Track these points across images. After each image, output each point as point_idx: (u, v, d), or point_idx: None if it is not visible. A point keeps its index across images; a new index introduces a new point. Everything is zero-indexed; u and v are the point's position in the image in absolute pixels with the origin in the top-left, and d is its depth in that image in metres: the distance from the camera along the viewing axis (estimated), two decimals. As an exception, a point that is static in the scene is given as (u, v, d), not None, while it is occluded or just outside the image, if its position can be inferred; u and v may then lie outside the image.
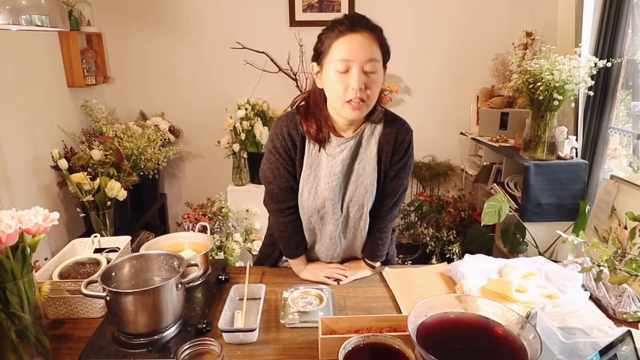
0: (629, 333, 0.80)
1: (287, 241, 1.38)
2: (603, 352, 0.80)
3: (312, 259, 1.44)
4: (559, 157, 2.36)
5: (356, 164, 1.31)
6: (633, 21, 2.24)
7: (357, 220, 1.36)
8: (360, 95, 1.15)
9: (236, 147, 2.81)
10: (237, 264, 2.58)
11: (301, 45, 2.92)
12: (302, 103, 1.31)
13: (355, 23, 1.15)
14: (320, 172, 1.30)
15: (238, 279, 1.36)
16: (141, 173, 2.62)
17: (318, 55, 1.21)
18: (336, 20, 1.17)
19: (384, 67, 1.22)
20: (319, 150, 1.29)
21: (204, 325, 1.09)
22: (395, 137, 1.30)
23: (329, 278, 1.35)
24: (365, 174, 1.31)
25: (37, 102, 2.42)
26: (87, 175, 2.23)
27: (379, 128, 1.30)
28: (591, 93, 2.24)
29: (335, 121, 1.28)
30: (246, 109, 2.81)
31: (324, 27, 1.21)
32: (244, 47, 2.91)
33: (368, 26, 1.16)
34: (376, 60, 1.16)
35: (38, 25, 1.29)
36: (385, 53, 1.20)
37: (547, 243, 2.38)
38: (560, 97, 2.16)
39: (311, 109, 1.28)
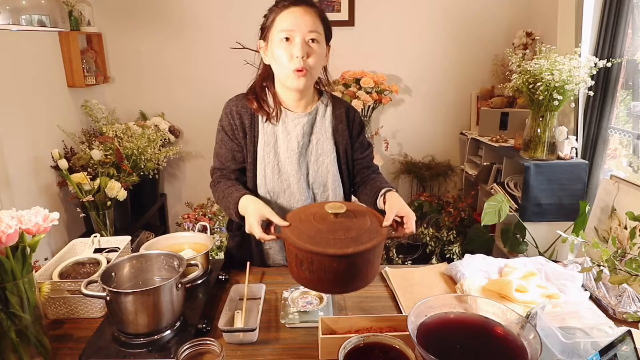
0: (629, 333, 0.80)
1: (225, 192, 1.29)
2: (603, 352, 0.80)
3: None
4: (559, 157, 2.36)
5: (313, 142, 1.35)
6: (633, 21, 2.24)
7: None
8: (302, 63, 1.21)
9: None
10: (237, 264, 2.58)
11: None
12: (253, 84, 1.37)
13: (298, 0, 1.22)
14: (279, 148, 1.34)
15: (238, 279, 1.36)
16: (141, 173, 2.62)
17: (263, 31, 1.29)
18: None
19: (327, 45, 1.29)
20: (273, 126, 1.33)
21: (204, 325, 1.09)
22: (347, 116, 1.39)
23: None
24: (324, 154, 1.35)
25: (37, 102, 2.42)
26: (87, 175, 2.23)
27: (329, 110, 1.38)
28: (591, 93, 2.24)
29: (284, 98, 1.33)
30: (246, 109, 2.81)
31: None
32: (243, 47, 2.90)
33: (310, 2, 1.24)
34: (317, 32, 1.22)
35: (38, 25, 1.29)
36: (327, 29, 1.27)
37: (547, 243, 2.38)
38: (560, 97, 2.16)
39: (256, 87, 1.35)
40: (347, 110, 1.40)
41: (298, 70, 1.21)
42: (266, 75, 1.35)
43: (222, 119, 1.36)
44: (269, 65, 1.31)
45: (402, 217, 1.11)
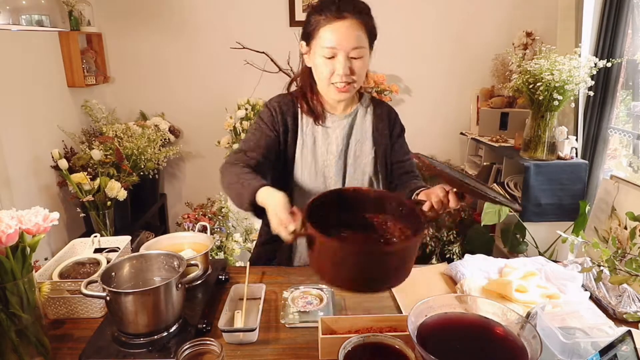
0: (629, 333, 0.80)
1: (241, 177, 1.13)
2: (603, 352, 0.80)
3: None
4: (559, 157, 2.36)
5: (352, 143, 1.33)
6: (633, 21, 2.24)
7: None
8: (345, 80, 1.19)
9: (236, 147, 2.81)
10: (237, 264, 2.58)
11: (301, 45, 2.91)
12: (294, 84, 1.36)
13: (342, 8, 1.15)
14: (317, 150, 1.32)
15: (238, 279, 1.36)
16: (141, 173, 2.62)
17: (307, 36, 1.23)
18: (324, 2, 1.18)
19: (370, 48, 1.25)
20: (313, 127, 1.31)
21: (204, 325, 1.09)
22: (388, 116, 1.37)
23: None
24: (362, 155, 1.33)
25: (37, 102, 2.42)
26: (87, 175, 2.23)
27: (370, 110, 1.37)
28: (591, 93, 2.24)
29: (325, 99, 1.32)
30: (246, 109, 2.81)
31: (315, 5, 1.21)
32: (244, 47, 2.90)
33: (355, 10, 1.16)
34: (362, 47, 1.18)
35: (38, 25, 1.29)
36: (372, 36, 1.22)
37: (547, 243, 2.38)
38: (560, 97, 2.16)
39: (303, 87, 1.32)
40: (389, 111, 1.39)
41: (340, 85, 1.20)
42: (309, 78, 1.30)
43: (263, 112, 1.32)
44: (310, 68, 1.28)
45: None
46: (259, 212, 1.05)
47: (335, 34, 1.15)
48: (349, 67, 1.18)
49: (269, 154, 1.28)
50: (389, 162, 1.38)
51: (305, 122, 1.32)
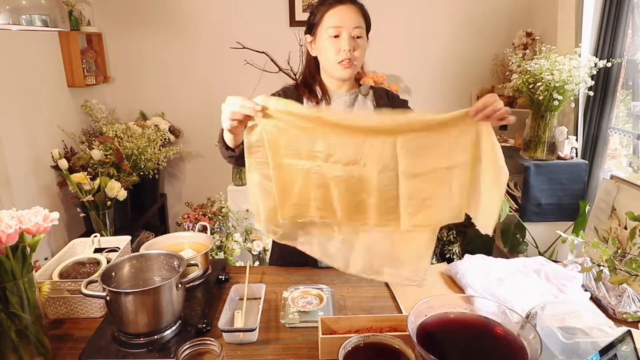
0: (629, 333, 0.80)
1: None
2: (603, 352, 0.80)
3: None
4: (559, 157, 2.36)
5: None
6: (633, 21, 2.24)
7: None
8: (349, 56, 1.32)
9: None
10: (237, 264, 2.58)
11: (301, 45, 2.91)
12: (301, 76, 1.48)
13: None
14: None
15: (238, 278, 1.36)
16: (141, 173, 2.62)
17: (311, 27, 1.38)
18: None
19: (367, 36, 1.39)
20: (319, 104, 1.41)
21: (204, 325, 1.09)
22: (387, 93, 1.49)
23: None
24: None
25: (37, 102, 2.42)
26: (87, 175, 2.23)
27: (370, 94, 1.47)
28: (591, 93, 2.24)
29: (328, 85, 1.43)
30: (246, 109, 2.80)
31: (313, 4, 1.39)
32: (244, 47, 2.90)
33: (352, 0, 1.34)
34: (361, 28, 1.34)
35: (38, 25, 1.29)
36: (368, 23, 1.38)
37: (547, 243, 2.38)
38: (560, 97, 2.16)
39: (307, 78, 1.44)
40: (388, 91, 1.50)
41: (345, 62, 1.32)
42: (313, 67, 1.44)
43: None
44: (314, 57, 1.42)
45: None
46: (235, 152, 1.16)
47: (338, 14, 1.32)
48: (352, 45, 1.32)
49: None
50: None
51: (309, 105, 1.41)
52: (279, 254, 1.52)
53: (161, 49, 3.06)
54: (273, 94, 1.41)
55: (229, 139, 1.13)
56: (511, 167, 2.62)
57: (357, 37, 1.33)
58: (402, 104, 1.50)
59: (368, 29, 1.39)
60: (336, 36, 1.32)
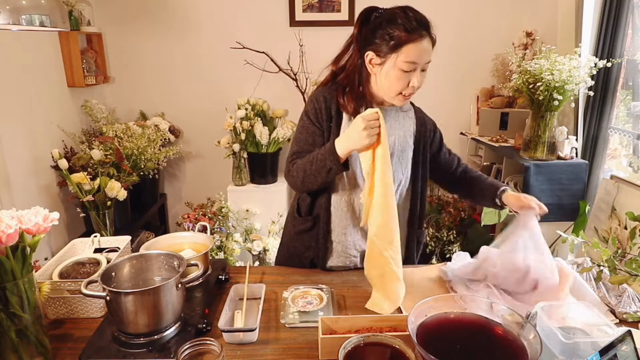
0: (629, 333, 0.80)
1: (311, 157, 1.31)
2: (603, 352, 0.80)
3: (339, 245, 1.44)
4: (559, 157, 2.36)
5: (394, 136, 1.39)
6: (633, 21, 2.24)
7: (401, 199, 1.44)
8: (414, 91, 1.31)
9: (236, 147, 2.81)
10: (237, 264, 2.58)
11: (301, 45, 2.92)
12: (342, 79, 1.39)
13: (423, 28, 1.26)
14: None
15: (238, 279, 1.36)
16: (141, 173, 2.62)
17: (380, 49, 1.27)
18: (404, 17, 1.26)
19: None
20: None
21: (204, 325, 1.09)
22: (427, 122, 1.50)
23: None
24: (407, 146, 1.42)
25: (37, 102, 2.42)
26: (87, 175, 2.23)
27: (411, 113, 1.47)
28: (591, 93, 2.24)
29: (375, 97, 1.38)
30: (246, 109, 2.81)
31: (384, 15, 1.29)
32: (244, 47, 2.91)
33: (429, 30, 1.29)
34: (430, 61, 1.31)
35: (38, 25, 1.29)
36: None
37: (547, 243, 2.38)
38: (560, 97, 2.16)
39: (353, 88, 1.36)
40: (428, 118, 1.52)
41: (409, 95, 1.31)
42: (365, 79, 1.35)
43: (308, 104, 1.40)
44: (363, 69, 1.34)
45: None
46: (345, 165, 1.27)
47: (418, 50, 1.25)
48: (421, 80, 1.30)
49: (319, 144, 1.37)
50: (430, 157, 1.49)
51: (346, 117, 1.38)
52: (288, 253, 1.53)
53: (161, 48, 3.06)
54: (313, 97, 1.39)
55: (345, 153, 1.24)
56: (511, 167, 2.64)
57: (423, 70, 1.31)
58: (441, 140, 1.54)
59: None
60: (409, 71, 1.27)
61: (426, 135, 1.47)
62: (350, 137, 1.22)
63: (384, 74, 1.29)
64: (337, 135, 1.34)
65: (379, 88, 1.33)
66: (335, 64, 1.40)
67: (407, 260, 1.47)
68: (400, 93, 1.30)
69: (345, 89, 1.36)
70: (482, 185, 1.49)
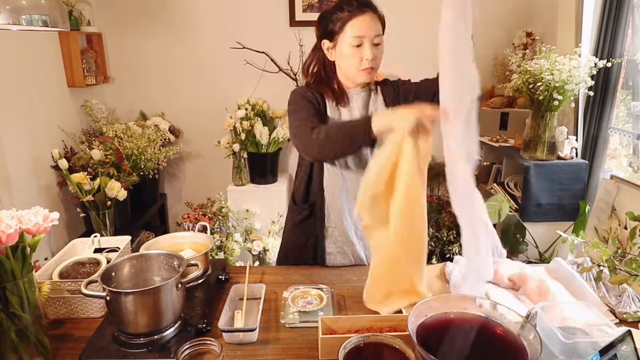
0: (629, 333, 0.80)
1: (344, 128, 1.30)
2: (603, 352, 0.80)
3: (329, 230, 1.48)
4: (559, 157, 2.36)
5: (370, 110, 1.48)
6: (633, 21, 2.24)
7: None
8: (371, 64, 1.37)
9: (236, 147, 2.81)
10: (237, 264, 2.58)
11: (301, 45, 2.91)
12: (313, 77, 1.49)
13: (362, 4, 1.35)
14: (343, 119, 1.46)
15: (238, 279, 1.36)
16: (141, 173, 2.62)
17: (330, 34, 1.38)
18: (344, 1, 1.36)
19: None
20: (337, 106, 1.46)
21: (204, 325, 1.09)
22: (392, 85, 1.56)
23: None
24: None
25: (37, 102, 2.42)
26: (87, 175, 2.23)
27: (379, 89, 1.53)
28: (591, 93, 2.24)
29: (345, 84, 1.47)
30: (246, 109, 2.81)
31: (330, 8, 1.39)
32: (244, 47, 2.90)
33: (371, 7, 1.37)
34: (380, 35, 1.38)
35: (38, 25, 1.29)
36: (384, 27, 1.42)
37: (547, 243, 2.38)
38: (560, 97, 2.16)
39: (326, 78, 1.47)
40: (392, 83, 1.57)
41: (367, 69, 1.37)
42: (330, 69, 1.46)
43: (297, 94, 1.45)
44: (326, 60, 1.45)
45: None
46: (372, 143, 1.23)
47: (360, 24, 1.34)
48: (373, 53, 1.36)
49: (319, 114, 1.43)
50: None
51: (331, 104, 1.45)
52: (288, 247, 1.58)
53: (161, 48, 3.06)
54: (295, 91, 1.46)
55: (379, 127, 1.19)
56: (511, 167, 2.64)
57: (377, 44, 1.37)
58: (404, 82, 1.58)
59: (384, 31, 1.43)
60: (358, 45, 1.35)
61: (391, 93, 1.52)
62: (394, 113, 1.19)
63: (339, 56, 1.40)
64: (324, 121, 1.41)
65: (342, 72, 1.44)
66: (306, 74, 1.51)
67: None
68: (361, 70, 1.37)
69: (323, 83, 1.46)
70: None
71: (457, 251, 2.78)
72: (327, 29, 1.39)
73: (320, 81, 1.48)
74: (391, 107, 1.49)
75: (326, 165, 1.46)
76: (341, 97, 1.45)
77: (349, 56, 1.37)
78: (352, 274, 1.42)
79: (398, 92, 1.54)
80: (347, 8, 1.35)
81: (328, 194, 1.46)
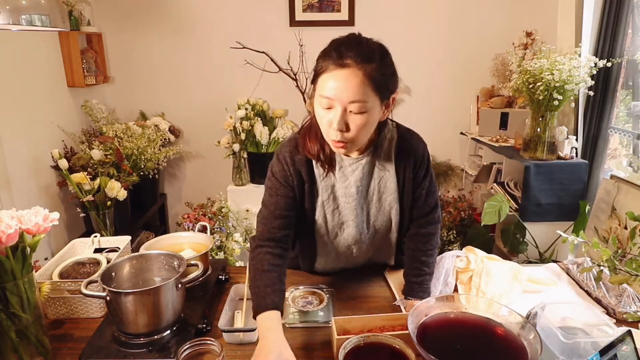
0: (629, 333, 0.81)
1: (259, 282, 1.09)
2: (603, 352, 0.80)
3: (312, 267, 1.39)
4: (559, 157, 2.36)
5: (375, 181, 1.22)
6: (633, 21, 2.24)
7: (384, 234, 1.31)
8: (340, 138, 1.04)
9: (236, 147, 2.81)
10: (237, 264, 2.58)
11: (301, 45, 2.92)
12: (308, 122, 1.18)
13: (344, 54, 0.99)
14: (337, 192, 1.22)
15: (238, 279, 1.36)
16: (141, 173, 2.62)
17: (313, 79, 1.08)
18: (331, 44, 1.03)
19: (383, 99, 1.06)
20: (327, 173, 1.19)
21: (204, 325, 1.09)
22: (415, 151, 1.23)
23: None
24: (387, 191, 1.23)
25: (37, 102, 2.42)
26: (87, 175, 2.23)
27: (394, 144, 1.22)
28: (591, 93, 2.24)
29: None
30: (246, 109, 2.81)
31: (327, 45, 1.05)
32: (244, 47, 2.91)
33: (359, 58, 0.98)
34: (362, 102, 1.00)
35: (38, 25, 1.29)
36: (383, 89, 1.04)
37: (547, 243, 2.38)
38: (560, 97, 2.16)
39: (314, 129, 1.14)
40: (417, 145, 1.25)
41: (336, 142, 1.06)
42: (317, 124, 1.13)
43: (274, 165, 1.21)
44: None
45: None
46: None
47: (332, 82, 0.99)
48: (345, 123, 1.02)
49: (290, 210, 1.20)
50: (404, 200, 1.26)
51: (317, 171, 1.21)
52: None
53: (161, 48, 3.06)
54: (279, 154, 1.20)
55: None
56: (511, 167, 2.64)
57: (357, 114, 1.01)
58: (424, 177, 1.26)
59: (385, 95, 1.06)
60: (328, 108, 1.02)
61: (409, 170, 1.24)
62: (262, 344, 0.96)
63: (315, 111, 1.08)
64: (312, 196, 1.21)
65: None
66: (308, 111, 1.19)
67: (401, 263, 1.40)
68: (331, 140, 1.06)
69: (307, 134, 1.17)
70: (406, 271, 1.30)
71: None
72: (314, 71, 1.06)
73: (311, 134, 1.16)
74: (399, 174, 1.22)
75: (320, 236, 1.29)
76: (330, 162, 1.17)
77: (319, 117, 1.06)
78: (352, 274, 1.41)
79: (415, 170, 1.23)
80: (328, 54, 1.01)
81: (320, 250, 1.33)
